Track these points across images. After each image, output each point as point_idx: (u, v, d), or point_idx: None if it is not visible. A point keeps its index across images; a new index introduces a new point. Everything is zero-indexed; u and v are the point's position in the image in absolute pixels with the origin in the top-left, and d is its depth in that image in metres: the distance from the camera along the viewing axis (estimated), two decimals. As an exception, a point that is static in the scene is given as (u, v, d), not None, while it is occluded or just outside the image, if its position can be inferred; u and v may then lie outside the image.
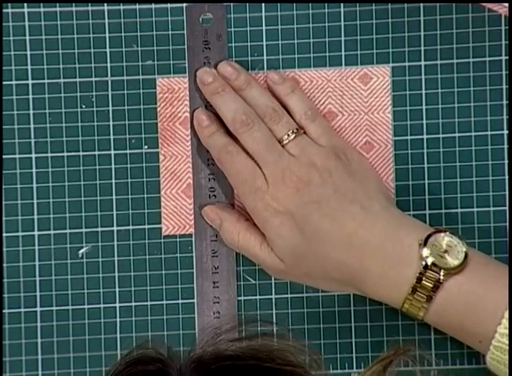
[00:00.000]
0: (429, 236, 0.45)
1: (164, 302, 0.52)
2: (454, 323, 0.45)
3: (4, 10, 0.52)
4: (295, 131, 0.48)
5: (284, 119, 0.49)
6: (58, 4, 0.52)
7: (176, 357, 0.33)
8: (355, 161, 0.48)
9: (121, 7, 0.52)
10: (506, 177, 0.52)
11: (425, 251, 0.45)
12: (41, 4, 0.52)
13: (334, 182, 0.47)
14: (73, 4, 0.52)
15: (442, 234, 0.46)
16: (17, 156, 0.52)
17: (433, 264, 0.44)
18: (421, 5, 0.52)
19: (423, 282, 0.44)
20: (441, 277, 0.44)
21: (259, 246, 0.49)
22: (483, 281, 0.45)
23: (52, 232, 0.52)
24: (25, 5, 0.52)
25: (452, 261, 0.45)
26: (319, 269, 0.47)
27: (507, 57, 0.52)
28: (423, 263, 0.44)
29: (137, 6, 0.52)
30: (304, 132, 0.49)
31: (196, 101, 0.51)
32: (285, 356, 0.32)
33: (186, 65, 0.52)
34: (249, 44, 0.52)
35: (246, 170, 0.48)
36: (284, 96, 0.50)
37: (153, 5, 0.52)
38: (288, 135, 0.48)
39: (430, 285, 0.44)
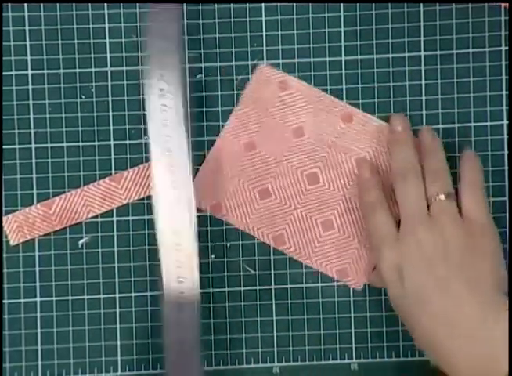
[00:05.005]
0: None
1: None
2: None
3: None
4: (448, 194, 0.48)
5: (445, 180, 0.49)
6: (57, -6, 0.52)
7: None
8: (486, 244, 0.47)
9: (121, -3, 0.52)
10: (506, 168, 0.52)
11: None
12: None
13: (454, 258, 0.46)
14: (73, -6, 0.52)
15: None
16: (17, 146, 0.52)
17: None
18: (421, -5, 0.52)
19: None
20: None
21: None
22: None
23: (51, 222, 0.52)
24: (25, -5, 0.52)
25: None
26: (410, 326, 0.47)
27: (507, 47, 0.52)
28: None
29: (137, -3, 0.52)
30: (456, 200, 0.48)
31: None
32: None
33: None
34: (248, 34, 0.52)
35: (382, 227, 0.49)
36: (463, 168, 0.50)
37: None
38: (438, 194, 0.48)
39: None
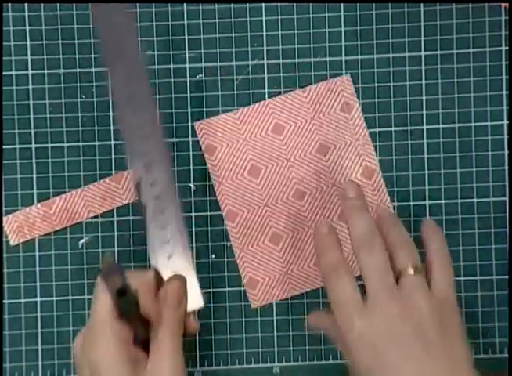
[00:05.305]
0: None
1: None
2: None
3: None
4: (417, 267, 0.46)
5: (413, 252, 0.47)
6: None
7: None
8: (456, 320, 0.46)
9: (121, -3, 0.52)
10: (506, 167, 0.52)
11: None
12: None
13: (429, 336, 0.44)
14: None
15: None
16: (17, 146, 0.52)
17: None
18: (421, -5, 0.52)
19: None
20: None
21: None
22: None
23: (52, 222, 0.52)
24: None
25: None
26: None
27: (507, 47, 0.52)
28: None
29: (137, -3, 0.52)
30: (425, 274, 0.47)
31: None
32: None
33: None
34: (249, 34, 0.52)
35: (347, 294, 0.46)
36: (427, 238, 0.49)
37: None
38: (407, 268, 0.46)
39: None
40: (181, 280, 0.47)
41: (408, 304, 0.45)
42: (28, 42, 0.52)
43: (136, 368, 0.44)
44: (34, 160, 0.52)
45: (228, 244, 0.53)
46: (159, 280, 0.47)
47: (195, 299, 0.48)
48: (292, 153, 0.52)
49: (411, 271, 0.46)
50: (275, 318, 0.53)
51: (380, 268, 0.46)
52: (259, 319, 0.53)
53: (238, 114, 0.52)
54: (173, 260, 0.47)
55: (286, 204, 0.52)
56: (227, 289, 0.53)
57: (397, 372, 0.44)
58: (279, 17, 0.52)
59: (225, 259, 0.53)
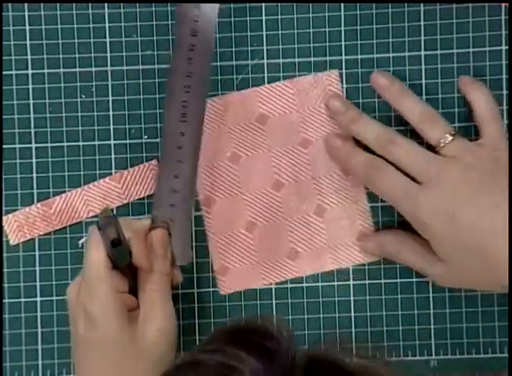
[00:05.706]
0: None
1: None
2: None
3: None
4: (453, 133, 0.47)
5: (441, 122, 0.48)
6: (58, -6, 0.52)
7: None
8: (504, 171, 0.47)
9: (121, -3, 0.52)
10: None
11: None
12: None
13: (501, 183, 0.46)
14: (73, -6, 0.52)
15: None
16: (17, 146, 0.52)
17: None
18: (421, -5, 0.52)
19: None
20: None
21: (421, 259, 0.49)
22: None
23: (52, 222, 0.52)
24: (25, -5, 0.52)
25: None
26: (474, 257, 0.46)
27: (507, 47, 0.52)
28: None
29: (137, -4, 0.52)
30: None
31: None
32: None
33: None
34: (249, 34, 0.52)
35: (396, 178, 0.47)
36: (468, 95, 0.50)
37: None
38: (445, 137, 0.47)
39: None
40: (164, 231, 0.49)
41: (462, 164, 0.46)
42: (28, 42, 0.52)
43: (130, 315, 0.46)
44: (34, 160, 0.52)
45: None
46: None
47: (185, 254, 0.50)
48: (274, 144, 0.52)
49: (449, 138, 0.47)
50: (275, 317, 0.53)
51: (415, 149, 0.47)
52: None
53: (223, 100, 0.52)
54: (174, 210, 0.49)
55: (263, 193, 0.52)
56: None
57: (473, 226, 0.45)
58: (279, 17, 0.52)
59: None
